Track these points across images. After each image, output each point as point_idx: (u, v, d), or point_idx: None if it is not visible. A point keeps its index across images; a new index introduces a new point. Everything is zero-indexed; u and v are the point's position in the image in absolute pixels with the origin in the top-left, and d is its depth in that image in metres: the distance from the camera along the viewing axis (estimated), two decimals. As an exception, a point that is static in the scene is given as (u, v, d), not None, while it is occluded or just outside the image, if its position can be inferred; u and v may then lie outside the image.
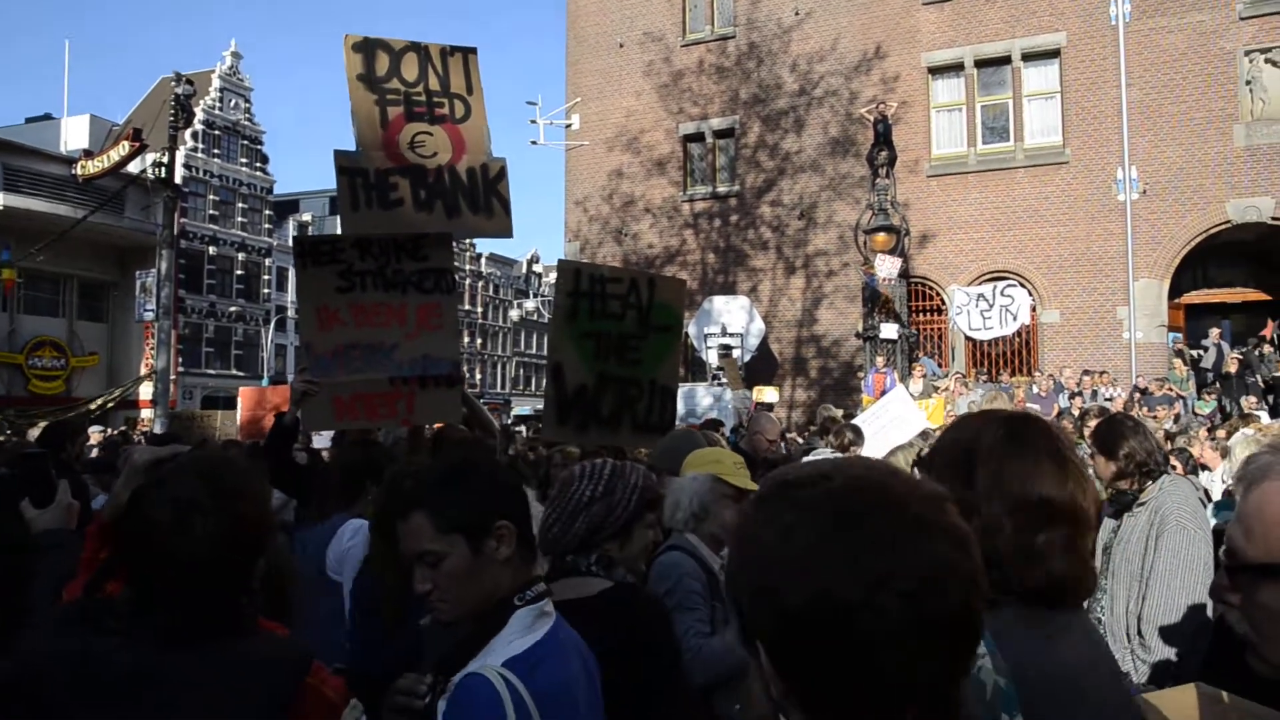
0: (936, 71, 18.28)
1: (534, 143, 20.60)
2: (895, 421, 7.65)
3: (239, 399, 13.26)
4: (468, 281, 58.01)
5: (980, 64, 17.97)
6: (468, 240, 55.89)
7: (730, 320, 18.01)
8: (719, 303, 18.42)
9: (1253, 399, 14.70)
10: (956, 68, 18.10)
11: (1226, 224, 16.13)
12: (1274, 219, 15.86)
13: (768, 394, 16.39)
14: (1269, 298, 17.30)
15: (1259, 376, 15.86)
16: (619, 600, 2.06)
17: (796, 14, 19.09)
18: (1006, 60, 17.77)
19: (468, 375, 58.75)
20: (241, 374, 36.12)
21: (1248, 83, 16.23)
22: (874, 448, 6.65)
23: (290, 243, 29.29)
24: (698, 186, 20.23)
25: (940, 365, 17.30)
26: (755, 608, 0.82)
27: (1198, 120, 16.31)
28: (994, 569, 1.09)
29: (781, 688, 0.81)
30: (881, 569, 0.76)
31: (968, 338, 16.66)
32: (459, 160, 4.34)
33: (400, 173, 4.22)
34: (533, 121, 20.45)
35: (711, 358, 17.86)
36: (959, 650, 0.81)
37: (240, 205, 38.15)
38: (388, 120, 4.28)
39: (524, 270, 67.01)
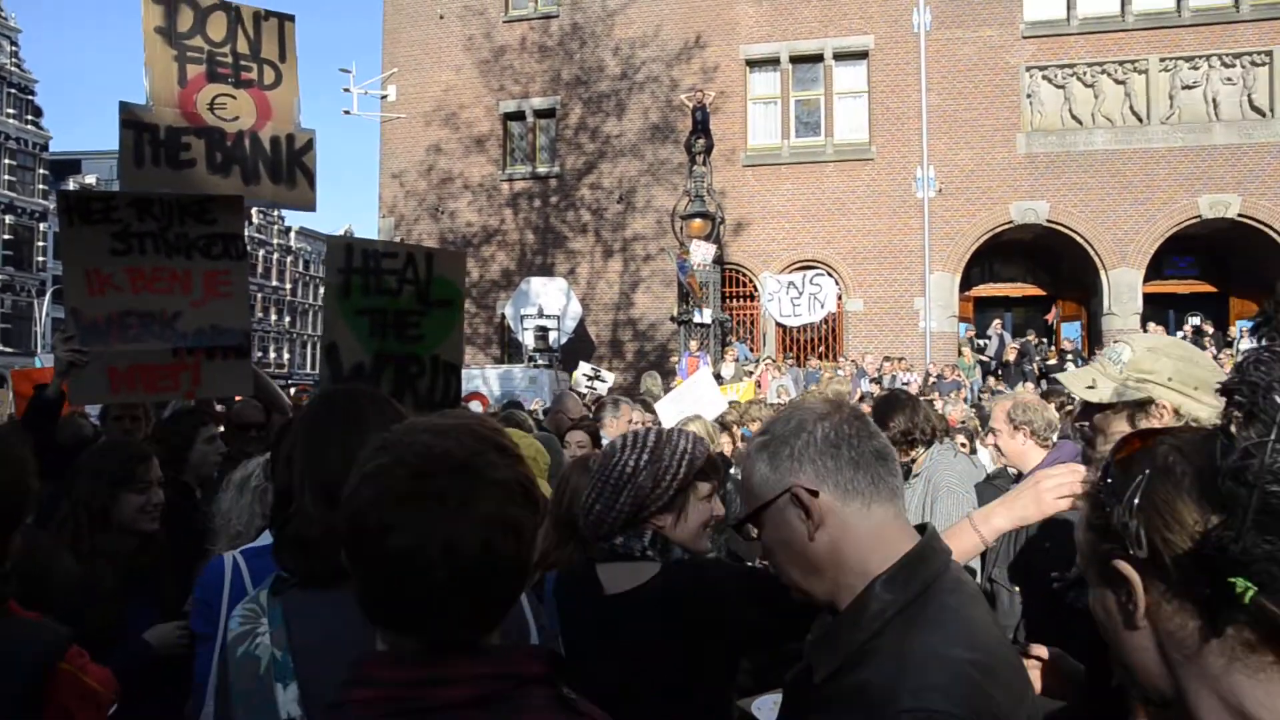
0: (754, 64, 18.91)
1: (347, 112, 19.74)
2: (698, 403, 7.84)
3: (9, 380, 11.91)
4: (275, 256, 55.01)
5: (795, 60, 18.74)
6: (276, 213, 52.92)
7: (547, 302, 17.94)
8: (536, 284, 18.32)
9: (1029, 385, 16.08)
10: (773, 62, 18.80)
11: (1009, 224, 17.60)
12: (1049, 221, 17.43)
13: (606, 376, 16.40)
14: (1045, 293, 19.05)
15: (1034, 364, 17.40)
16: (673, 589, 1.81)
17: (621, -3, 19.26)
18: (819, 58, 18.62)
19: (277, 355, 55.65)
20: (11, 350, 32.68)
21: (1028, 96, 17.76)
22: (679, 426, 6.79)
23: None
24: (517, 166, 20.03)
25: (752, 350, 17.96)
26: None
27: (986, 127, 17.68)
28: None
29: None
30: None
31: (778, 324, 17.38)
32: (262, 127, 4.18)
33: (195, 133, 4.02)
34: (346, 90, 19.60)
35: (528, 339, 17.73)
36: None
37: (8, 162, 34.47)
38: (186, 78, 4.06)
39: (338, 248, 64.20)
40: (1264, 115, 17.03)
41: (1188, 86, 17.36)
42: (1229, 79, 17.23)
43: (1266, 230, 16.94)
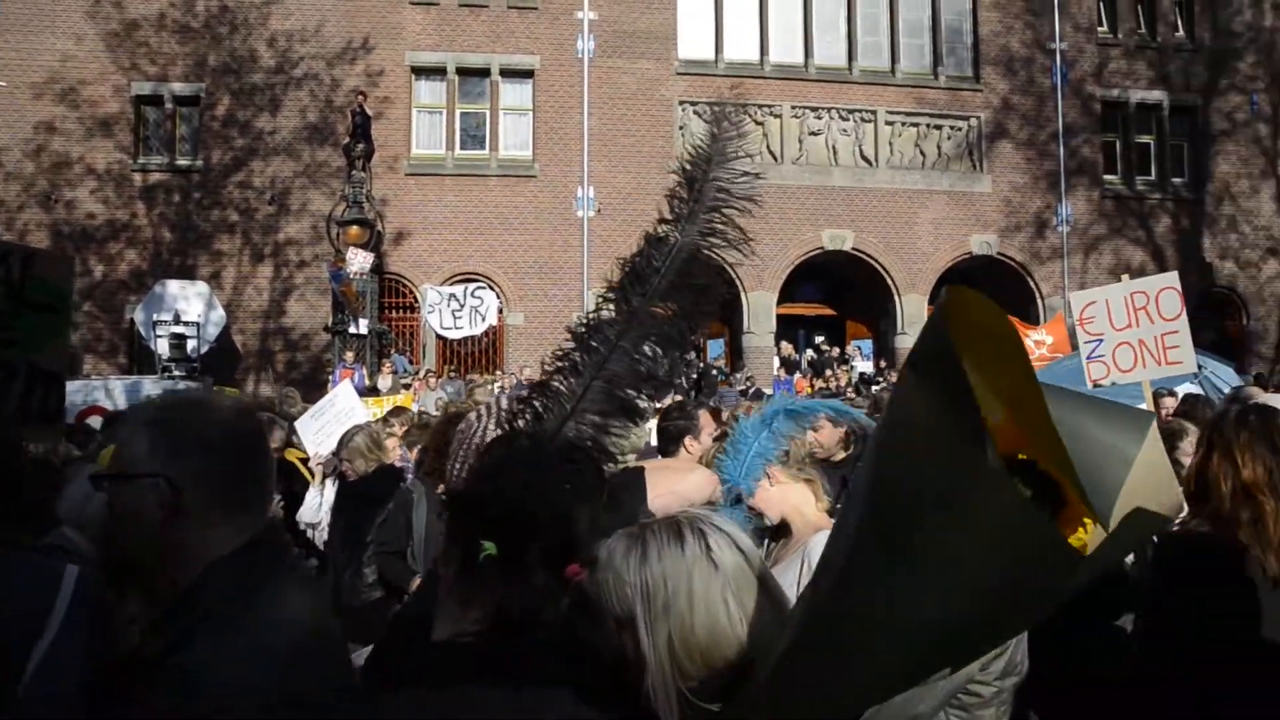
0: (420, 72, 18.85)
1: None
2: (340, 415, 7.61)
3: None
4: None
5: (462, 72, 18.93)
6: None
7: (186, 307, 16.58)
8: (174, 287, 16.88)
9: (679, 396, 17.27)
10: (440, 71, 18.85)
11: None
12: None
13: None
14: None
15: (683, 378, 18.70)
16: None
17: (278, -15, 18.35)
18: (486, 73, 18.96)
19: None
20: None
21: (681, 128, 19.28)
22: (319, 441, 6.57)
23: None
24: (153, 156, 18.34)
25: (412, 362, 17.76)
26: None
27: (644, 153, 18.93)
28: None
29: None
30: None
31: (439, 336, 17.32)
32: None
33: None
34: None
35: (162, 348, 16.23)
36: None
37: None
38: None
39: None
40: (871, 164, 19.80)
41: (813, 133, 19.76)
42: (845, 130, 19.86)
43: (874, 263, 19.66)
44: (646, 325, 1.44)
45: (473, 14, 18.82)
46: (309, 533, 5.79)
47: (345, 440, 5.41)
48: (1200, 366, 7.69)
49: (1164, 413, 6.38)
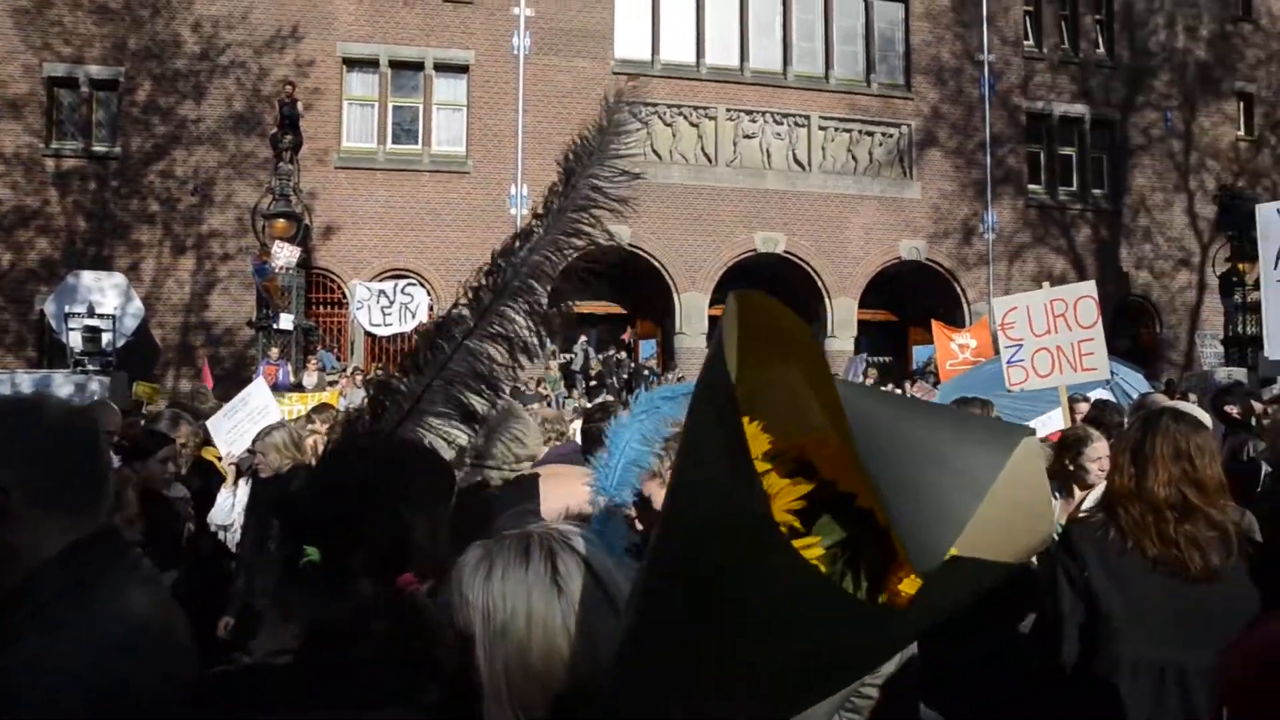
0: (352, 64, 18.52)
1: None
2: (254, 414, 7.36)
3: None
4: None
5: (395, 65, 18.65)
6: None
7: (101, 299, 16.02)
8: (88, 278, 16.30)
9: (610, 397, 17.29)
10: (372, 64, 18.54)
11: (596, 245, 18.86)
12: (631, 245, 19.01)
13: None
14: (626, 312, 20.71)
15: (615, 378, 18.79)
16: None
17: (204, -31, 17.85)
18: (420, 66, 18.71)
19: None
20: None
21: (616, 126, 19.26)
22: (232, 441, 6.37)
23: None
24: (67, 141, 17.68)
25: (339, 359, 17.45)
26: None
27: (578, 152, 18.85)
28: None
29: None
30: None
31: (368, 333, 17.04)
32: None
33: None
34: None
35: (75, 340, 15.65)
36: None
37: None
38: None
39: None
40: (804, 168, 20.08)
41: (748, 136, 19.95)
42: (779, 134, 20.09)
43: (805, 265, 19.94)
44: (495, 325, 1.41)
45: (406, 6, 18.55)
46: (221, 535, 5.64)
47: (263, 435, 5.28)
48: (1112, 373, 7.97)
49: (1076, 417, 6.58)
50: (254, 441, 5.39)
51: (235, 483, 5.67)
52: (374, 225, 18.07)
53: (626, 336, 20.45)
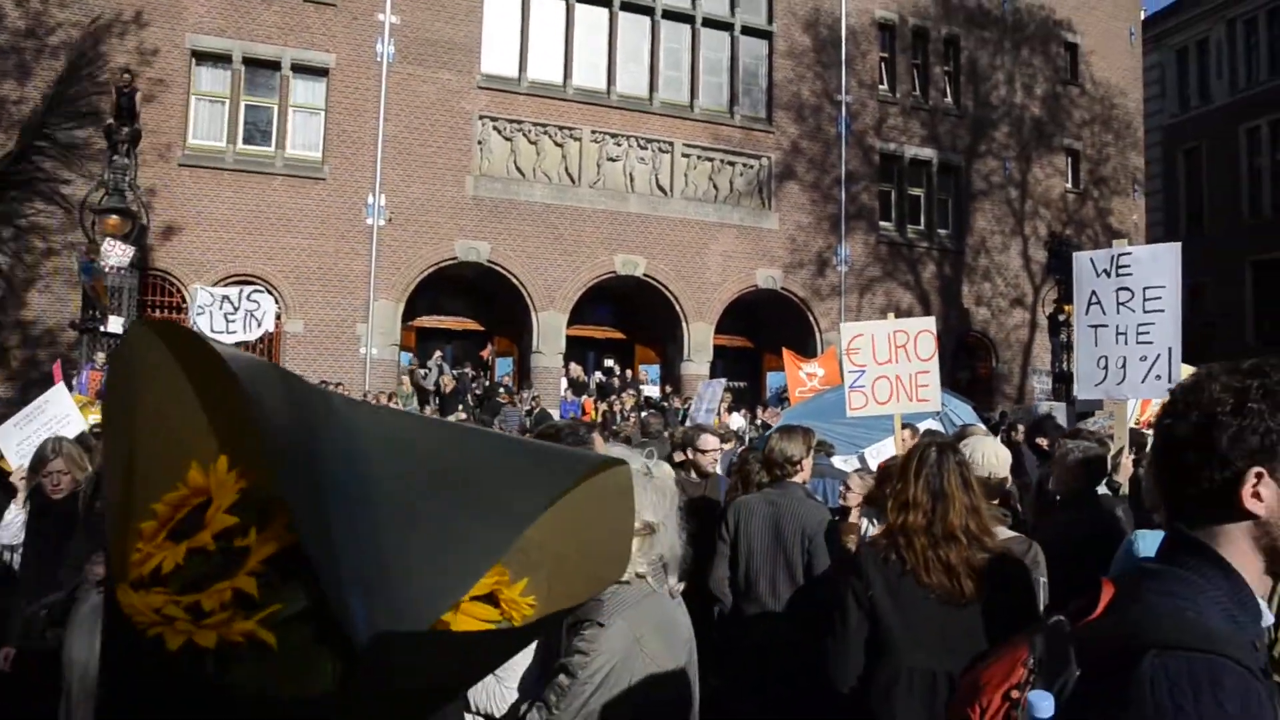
0: (202, 57, 17.77)
1: None
2: (52, 424, 6.85)
3: None
4: None
5: (249, 62, 18.02)
6: None
7: (-100, 292, 14.72)
8: (-114, 269, 14.94)
9: (463, 414, 17.10)
10: (224, 59, 17.85)
11: (453, 260, 18.72)
12: (490, 261, 18.90)
13: None
14: (483, 328, 20.54)
15: (470, 395, 18.58)
16: None
17: (37, -55, 16.80)
18: (277, 66, 18.13)
19: None
20: None
21: (480, 142, 19.20)
22: (24, 453, 5.92)
23: None
24: None
25: (173, 367, 16.59)
26: None
27: (439, 164, 18.69)
28: None
29: None
30: None
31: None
32: None
33: None
34: None
35: None
36: None
37: None
38: None
39: None
40: (666, 194, 20.48)
41: (612, 159, 20.21)
42: (643, 159, 20.45)
43: (664, 290, 20.29)
44: None
45: (264, 2, 17.97)
46: (6, 556, 5.25)
47: (51, 449, 4.98)
48: (943, 403, 8.43)
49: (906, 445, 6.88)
50: (35, 457, 5.04)
51: (26, 501, 5.29)
52: (219, 228, 17.33)
53: (486, 353, 20.28)
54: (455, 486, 0.69)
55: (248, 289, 16.14)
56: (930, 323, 6.42)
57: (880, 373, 6.31)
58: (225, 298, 15.98)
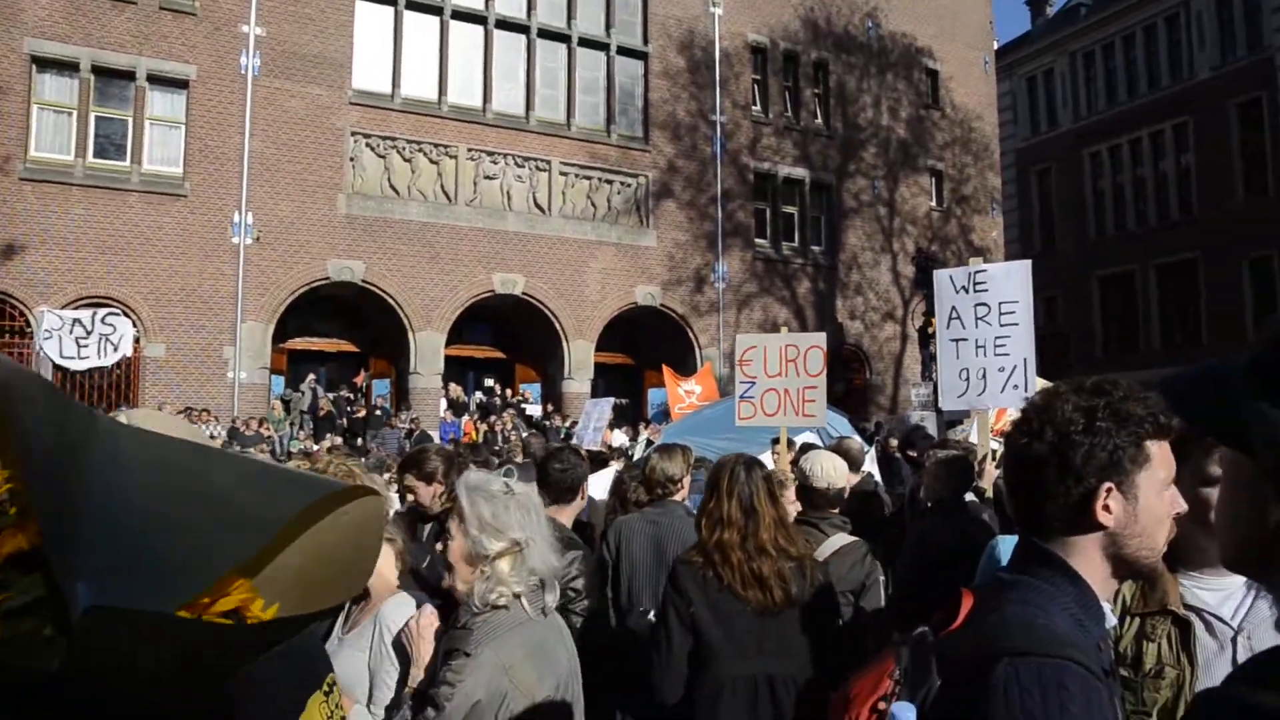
0: (45, 64, 16.84)
1: None
2: None
3: None
4: None
5: (100, 71, 17.18)
6: None
7: None
8: None
9: (338, 438, 16.67)
10: (71, 67, 16.96)
11: (326, 280, 18.27)
12: (365, 281, 18.52)
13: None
14: (359, 349, 20.09)
15: (345, 419, 18.13)
16: None
17: None
18: (131, 76, 17.34)
19: None
20: None
21: (352, 159, 18.83)
22: None
23: None
24: None
25: (18, 396, 15.58)
26: None
27: (310, 182, 18.23)
28: None
29: None
30: None
31: (58, 366, 15.38)
32: None
33: None
34: None
35: None
36: None
37: None
38: None
39: None
40: (544, 212, 20.55)
41: (489, 177, 20.15)
42: (520, 177, 20.47)
43: (544, 308, 20.31)
44: None
45: (116, 8, 17.17)
46: None
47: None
48: (825, 419, 8.72)
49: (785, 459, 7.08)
50: None
51: None
52: (68, 247, 16.41)
53: (359, 379, 19.79)
54: (204, 499, 0.75)
55: (101, 311, 15.41)
56: (821, 339, 6.58)
57: (770, 385, 6.46)
58: (76, 320, 15.20)
